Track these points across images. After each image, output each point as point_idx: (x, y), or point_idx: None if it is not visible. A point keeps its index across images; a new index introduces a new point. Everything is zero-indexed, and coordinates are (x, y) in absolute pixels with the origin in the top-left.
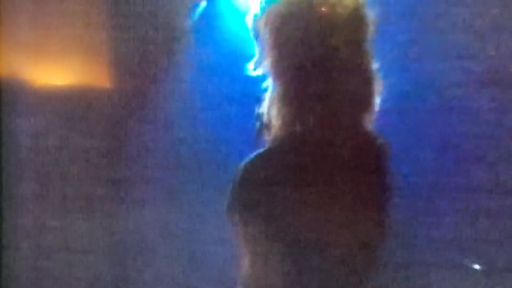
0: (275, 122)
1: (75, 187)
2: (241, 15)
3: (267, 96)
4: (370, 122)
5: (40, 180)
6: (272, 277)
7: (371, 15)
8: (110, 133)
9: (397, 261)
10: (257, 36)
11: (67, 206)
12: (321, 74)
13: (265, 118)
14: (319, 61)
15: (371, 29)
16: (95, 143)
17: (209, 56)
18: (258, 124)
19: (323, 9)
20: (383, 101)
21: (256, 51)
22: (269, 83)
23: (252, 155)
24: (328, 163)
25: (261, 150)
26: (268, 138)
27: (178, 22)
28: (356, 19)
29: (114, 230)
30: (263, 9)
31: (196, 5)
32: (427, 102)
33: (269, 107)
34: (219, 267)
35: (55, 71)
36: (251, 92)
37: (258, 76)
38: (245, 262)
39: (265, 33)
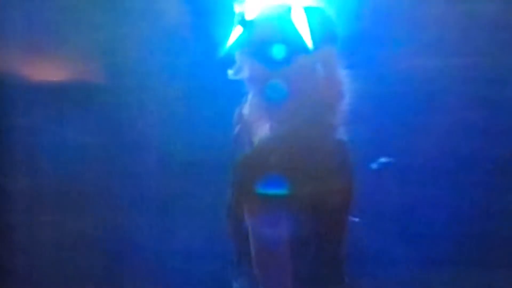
0: (254, 122)
1: (70, 183)
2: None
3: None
4: (340, 124)
5: (35, 176)
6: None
7: (337, 23)
8: (106, 131)
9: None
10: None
11: (61, 203)
12: (289, 80)
13: (246, 118)
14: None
15: (336, 36)
16: (90, 140)
17: (207, 56)
18: (239, 123)
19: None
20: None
21: (237, 58)
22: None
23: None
24: (301, 162)
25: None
26: (248, 136)
27: (173, 20)
28: (321, 27)
29: (108, 227)
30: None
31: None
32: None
33: (249, 108)
34: (215, 264)
35: (50, 68)
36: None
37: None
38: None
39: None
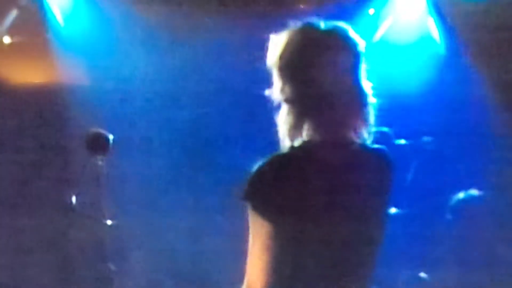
0: (286, 132)
1: (51, 187)
2: None
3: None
4: (366, 134)
5: (16, 180)
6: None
7: (358, 39)
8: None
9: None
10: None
11: (42, 207)
12: (317, 100)
13: (279, 128)
14: (315, 87)
15: (357, 52)
16: (72, 143)
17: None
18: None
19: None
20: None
21: (275, 80)
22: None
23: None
24: (332, 171)
25: (278, 153)
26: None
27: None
28: (341, 44)
29: (99, 232)
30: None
31: None
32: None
33: (282, 120)
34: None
35: (30, 71)
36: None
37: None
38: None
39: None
